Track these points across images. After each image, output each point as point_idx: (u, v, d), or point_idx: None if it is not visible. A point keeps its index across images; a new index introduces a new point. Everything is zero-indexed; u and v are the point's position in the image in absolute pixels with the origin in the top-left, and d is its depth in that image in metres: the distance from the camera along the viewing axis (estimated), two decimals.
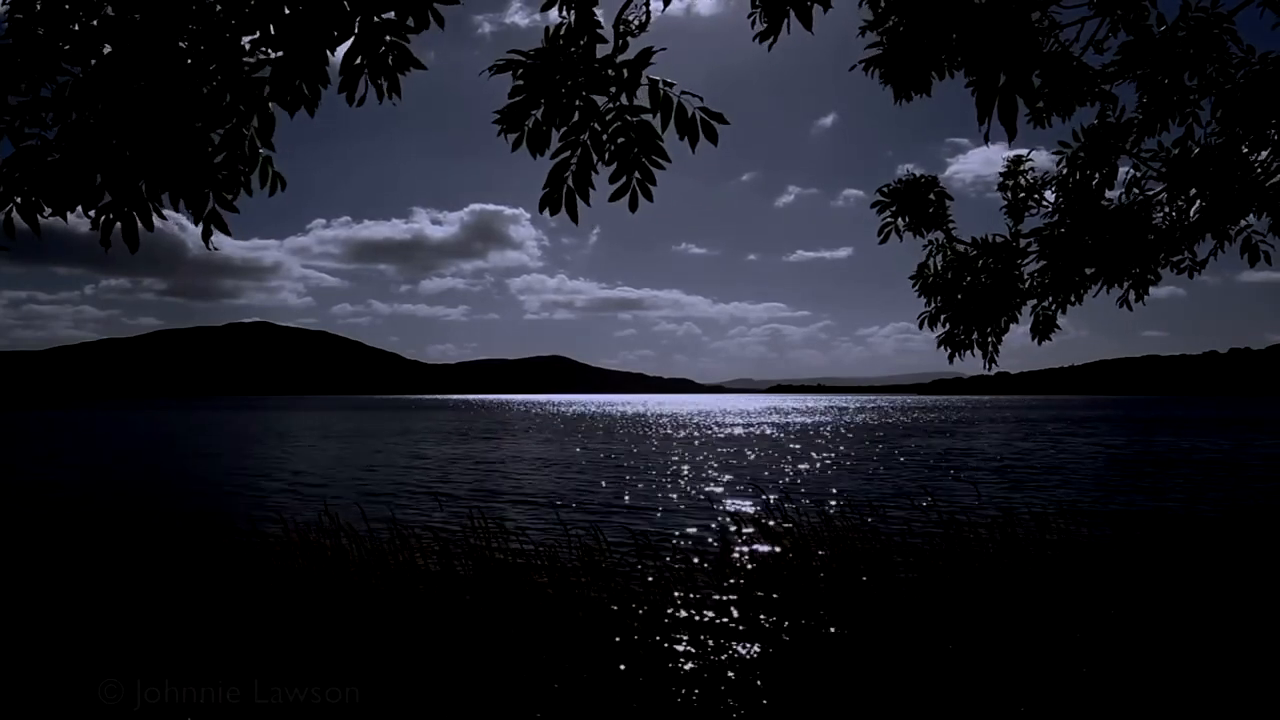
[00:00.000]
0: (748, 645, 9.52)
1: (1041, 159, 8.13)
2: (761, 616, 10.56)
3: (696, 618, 10.53)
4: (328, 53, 3.45)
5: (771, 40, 5.09)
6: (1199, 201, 7.24)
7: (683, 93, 3.76)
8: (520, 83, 3.79)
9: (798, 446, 51.36)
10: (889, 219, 7.66)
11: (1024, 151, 8.17)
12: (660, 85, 3.77)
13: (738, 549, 13.93)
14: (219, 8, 3.35)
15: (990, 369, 8.16)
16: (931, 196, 7.72)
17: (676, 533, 18.58)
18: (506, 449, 49.87)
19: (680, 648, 9.44)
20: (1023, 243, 7.87)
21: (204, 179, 3.54)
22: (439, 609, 10.21)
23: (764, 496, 15.01)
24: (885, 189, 7.73)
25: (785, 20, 4.46)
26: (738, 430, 73.69)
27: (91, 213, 3.45)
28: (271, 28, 3.38)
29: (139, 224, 3.51)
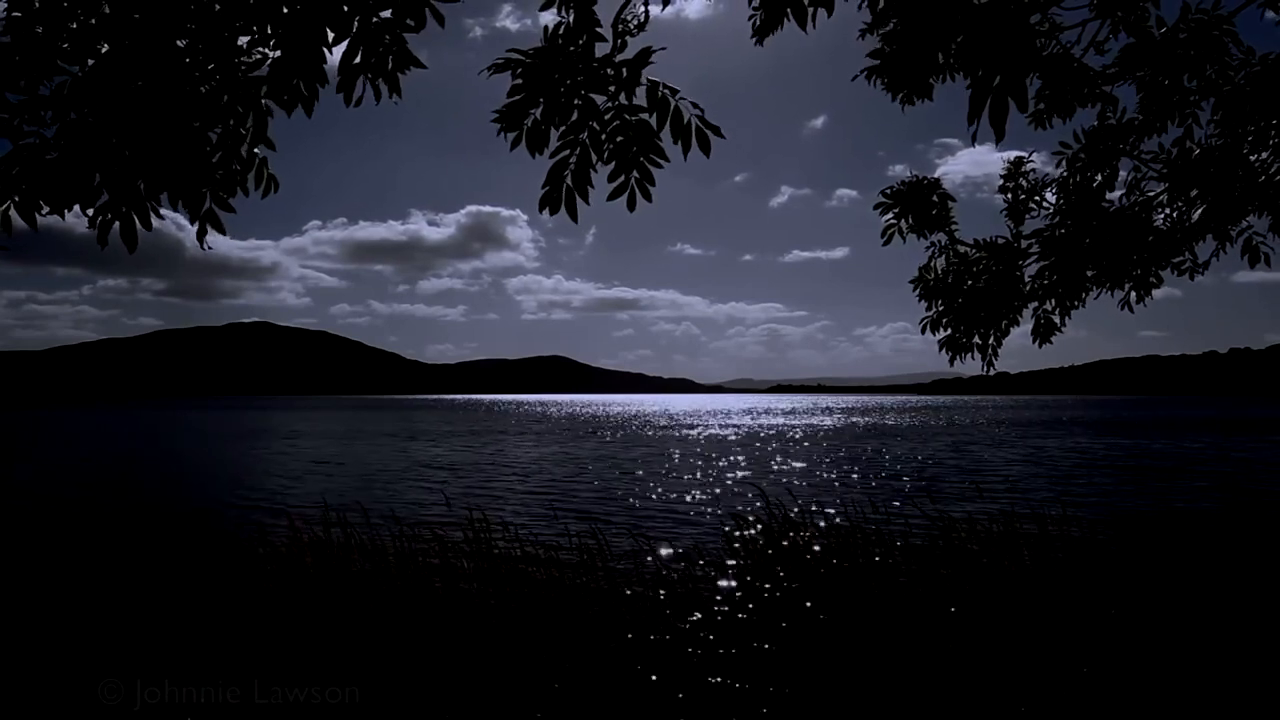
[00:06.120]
0: (747, 645, 9.51)
1: (1039, 161, 8.13)
2: (761, 616, 10.55)
3: (696, 617, 10.52)
4: (325, 52, 3.45)
5: (762, 37, 5.12)
6: (1200, 203, 7.24)
7: (681, 98, 3.76)
8: (519, 81, 3.79)
9: (798, 447, 51.36)
10: (892, 221, 7.65)
11: (1025, 153, 8.17)
12: (660, 87, 3.77)
13: (738, 548, 13.92)
14: (217, 7, 3.35)
15: (989, 371, 8.16)
16: (934, 198, 7.71)
17: (677, 532, 18.58)
18: (507, 448, 49.87)
19: (680, 647, 9.43)
20: (1024, 244, 7.86)
21: (201, 179, 3.54)
22: (439, 608, 10.20)
23: (763, 495, 15.02)
24: (888, 191, 7.72)
25: (783, 19, 4.47)
26: (739, 430, 73.68)
27: (89, 212, 3.44)
28: (269, 27, 3.38)
29: (137, 224, 3.51)
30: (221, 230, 3.65)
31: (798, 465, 38.48)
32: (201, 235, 3.66)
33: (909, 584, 11.50)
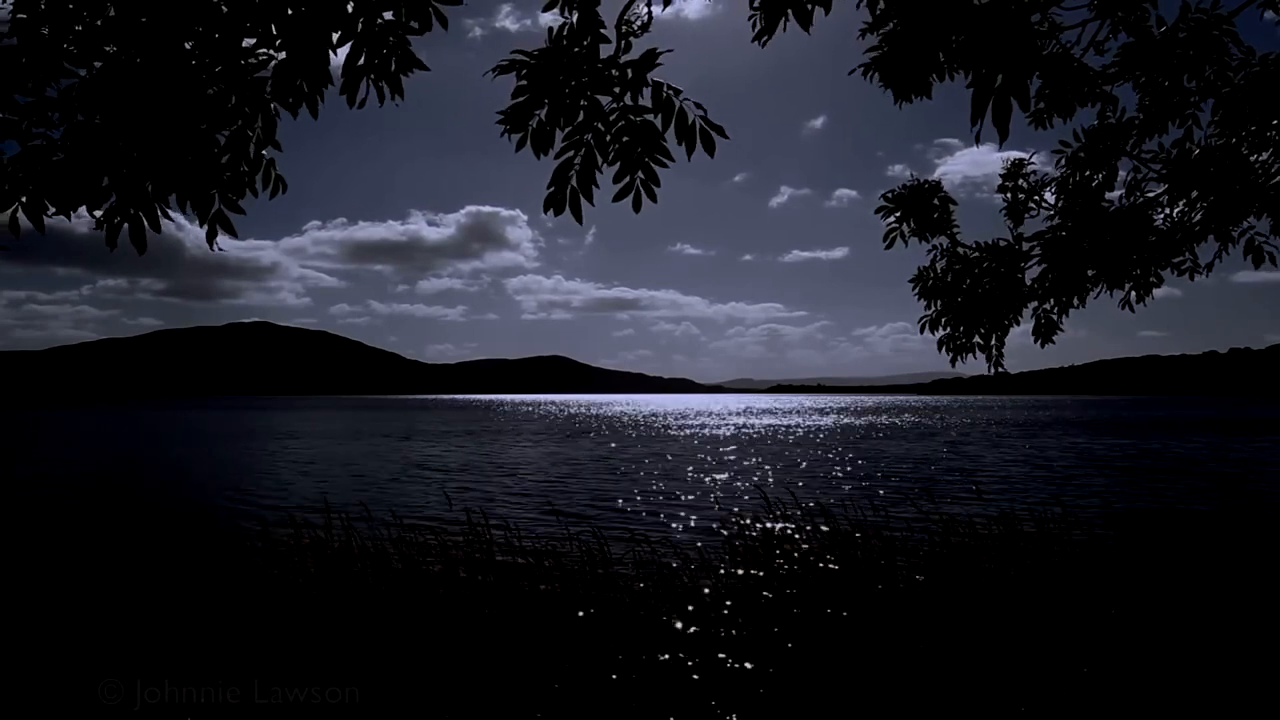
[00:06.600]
0: (747, 644, 9.52)
1: (1039, 162, 8.13)
2: (760, 616, 10.56)
3: (697, 618, 10.53)
4: (329, 53, 3.46)
5: (766, 39, 5.15)
6: (1200, 203, 7.25)
7: (685, 99, 3.77)
8: (524, 83, 3.80)
9: (797, 447, 51.35)
10: (894, 224, 7.66)
11: (1025, 155, 8.17)
12: (665, 88, 3.78)
13: (737, 547, 13.93)
14: (224, 9, 3.35)
15: (994, 371, 8.14)
16: (935, 201, 7.72)
17: (676, 533, 18.59)
18: (507, 449, 49.86)
19: (681, 648, 9.44)
20: (1025, 246, 7.87)
21: (211, 180, 3.55)
22: (439, 609, 10.21)
23: (763, 496, 15.04)
24: (889, 194, 7.73)
25: (783, 20, 4.49)
26: (738, 430, 73.70)
27: (97, 213, 3.45)
28: (274, 28, 3.39)
29: (145, 225, 3.51)
30: (232, 232, 3.66)
31: (797, 465, 38.47)
32: (212, 237, 3.67)
33: (908, 584, 11.51)
